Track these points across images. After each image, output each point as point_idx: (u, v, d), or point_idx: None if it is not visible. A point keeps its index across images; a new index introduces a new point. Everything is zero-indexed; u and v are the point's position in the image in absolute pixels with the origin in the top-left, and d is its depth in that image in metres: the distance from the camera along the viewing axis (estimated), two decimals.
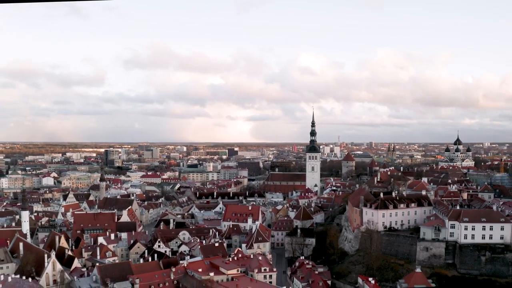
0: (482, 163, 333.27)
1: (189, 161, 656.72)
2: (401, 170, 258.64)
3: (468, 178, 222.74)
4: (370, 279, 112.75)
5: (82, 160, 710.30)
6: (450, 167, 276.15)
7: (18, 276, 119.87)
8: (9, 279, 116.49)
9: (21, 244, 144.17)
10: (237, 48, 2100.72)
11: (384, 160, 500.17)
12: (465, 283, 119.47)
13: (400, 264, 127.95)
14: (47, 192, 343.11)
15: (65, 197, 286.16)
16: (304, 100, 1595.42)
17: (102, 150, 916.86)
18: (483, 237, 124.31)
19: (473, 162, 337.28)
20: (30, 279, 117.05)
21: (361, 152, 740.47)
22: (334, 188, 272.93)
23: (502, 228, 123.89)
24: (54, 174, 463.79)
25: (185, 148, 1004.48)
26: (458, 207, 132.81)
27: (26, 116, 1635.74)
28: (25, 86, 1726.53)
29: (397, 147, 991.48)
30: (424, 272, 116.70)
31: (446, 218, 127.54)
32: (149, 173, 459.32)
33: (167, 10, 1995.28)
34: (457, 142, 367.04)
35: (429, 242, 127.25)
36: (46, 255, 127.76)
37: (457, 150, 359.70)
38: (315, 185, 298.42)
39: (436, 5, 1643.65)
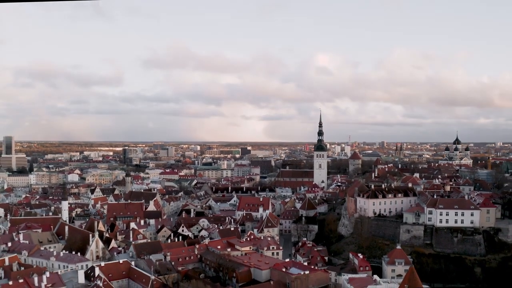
0: (479, 161, 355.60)
1: (204, 160, 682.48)
2: (399, 167, 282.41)
3: (458, 174, 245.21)
4: (359, 254, 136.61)
5: (100, 159, 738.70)
6: (446, 165, 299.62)
7: (67, 252, 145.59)
8: (61, 254, 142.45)
9: (66, 228, 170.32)
10: (257, 48, 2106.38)
11: (391, 159, 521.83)
12: (439, 259, 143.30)
13: (386, 244, 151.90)
14: (73, 187, 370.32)
15: (92, 191, 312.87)
16: (320, 100, 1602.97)
17: (118, 149, 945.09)
18: (456, 222, 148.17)
19: (471, 161, 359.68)
20: (79, 254, 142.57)
21: (371, 151, 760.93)
22: (339, 184, 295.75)
23: (472, 214, 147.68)
24: (77, 171, 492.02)
25: (199, 147, 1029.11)
26: (435, 197, 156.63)
27: (42, 116, 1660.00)
28: (43, 86, 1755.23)
29: (409, 146, 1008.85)
30: (406, 251, 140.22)
31: (425, 206, 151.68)
32: (167, 170, 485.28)
33: (189, 11, 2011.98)
34: (456, 141, 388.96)
35: (410, 226, 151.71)
36: (90, 235, 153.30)
37: (455, 149, 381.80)
38: (322, 181, 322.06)
39: (453, 4, 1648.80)
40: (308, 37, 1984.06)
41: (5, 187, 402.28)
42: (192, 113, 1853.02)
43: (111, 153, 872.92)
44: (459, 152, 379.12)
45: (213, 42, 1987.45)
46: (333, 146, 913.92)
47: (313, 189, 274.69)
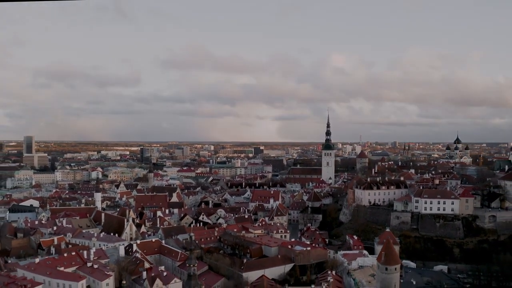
0: (477, 159, 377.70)
1: (218, 159, 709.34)
2: (399, 164, 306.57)
3: (452, 170, 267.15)
4: (354, 236, 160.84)
5: (118, 158, 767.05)
6: (445, 163, 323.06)
7: (105, 234, 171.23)
8: (101, 235, 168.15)
9: (102, 215, 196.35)
10: (274, 49, 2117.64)
11: (399, 158, 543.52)
12: (423, 241, 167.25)
13: (378, 228, 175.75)
14: (98, 183, 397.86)
15: (117, 186, 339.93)
16: (335, 100, 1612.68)
17: (133, 148, 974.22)
18: (438, 209, 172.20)
19: (471, 159, 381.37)
20: (117, 235, 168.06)
21: (380, 151, 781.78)
22: (345, 180, 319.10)
23: (452, 203, 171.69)
24: (99, 169, 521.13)
25: (212, 147, 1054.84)
26: (421, 188, 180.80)
27: (57, 116, 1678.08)
28: (61, 87, 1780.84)
29: (421, 146, 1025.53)
30: (395, 234, 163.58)
31: (413, 196, 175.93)
32: (184, 168, 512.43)
33: (208, 12, 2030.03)
34: (456, 141, 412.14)
35: (400, 213, 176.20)
36: (125, 220, 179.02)
37: (456, 148, 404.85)
38: (330, 178, 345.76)
39: (468, 4, 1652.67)
40: (324, 38, 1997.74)
41: (33, 183, 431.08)
42: (206, 113, 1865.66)
43: (127, 153, 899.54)
44: (459, 151, 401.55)
45: (231, 43, 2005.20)
46: (344, 146, 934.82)
47: (320, 184, 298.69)
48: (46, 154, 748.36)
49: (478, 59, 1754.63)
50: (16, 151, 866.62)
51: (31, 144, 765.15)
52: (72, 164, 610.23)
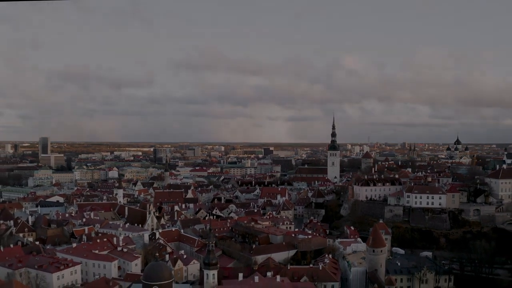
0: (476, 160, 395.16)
1: (229, 159, 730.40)
2: (399, 163, 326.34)
3: (447, 170, 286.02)
4: (351, 227, 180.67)
5: (132, 158, 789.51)
6: (443, 162, 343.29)
7: (129, 224, 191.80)
8: (126, 226, 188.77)
9: (126, 208, 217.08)
10: (288, 51, 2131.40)
11: (404, 159, 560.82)
12: (413, 231, 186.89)
13: (374, 220, 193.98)
14: (115, 182, 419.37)
15: (134, 184, 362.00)
16: (347, 101, 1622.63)
17: (145, 149, 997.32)
18: (427, 203, 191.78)
19: (470, 159, 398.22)
20: (140, 225, 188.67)
21: (387, 152, 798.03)
22: (349, 179, 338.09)
23: (440, 198, 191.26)
24: (115, 169, 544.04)
25: (223, 148, 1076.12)
26: (413, 185, 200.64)
27: (68, 117, 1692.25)
28: (75, 88, 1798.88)
29: (430, 147, 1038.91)
30: (388, 225, 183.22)
31: (404, 191, 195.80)
32: (196, 168, 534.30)
33: (223, 14, 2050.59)
34: (457, 142, 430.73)
35: (393, 206, 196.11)
36: (147, 212, 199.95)
37: (456, 149, 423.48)
38: (335, 177, 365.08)
39: (480, 4, 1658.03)
40: (337, 39, 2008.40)
41: (53, 182, 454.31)
42: (218, 114, 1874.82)
43: (140, 153, 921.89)
44: (459, 152, 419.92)
45: (244, 44, 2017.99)
46: (353, 146, 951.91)
47: (325, 183, 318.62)
48: (61, 155, 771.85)
49: (491, 59, 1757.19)
50: (30, 152, 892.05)
51: (47, 145, 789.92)
52: (88, 164, 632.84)
